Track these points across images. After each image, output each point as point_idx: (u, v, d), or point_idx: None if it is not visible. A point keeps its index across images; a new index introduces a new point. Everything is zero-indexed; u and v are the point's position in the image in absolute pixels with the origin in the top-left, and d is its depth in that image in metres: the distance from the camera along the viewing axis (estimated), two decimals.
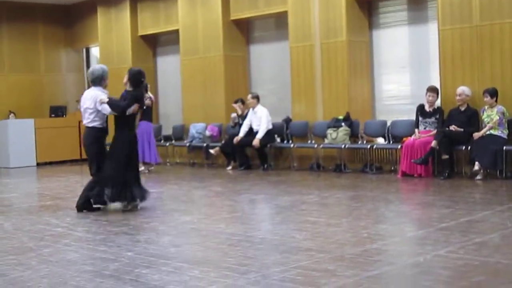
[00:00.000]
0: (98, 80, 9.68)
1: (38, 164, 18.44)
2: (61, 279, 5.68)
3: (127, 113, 9.44)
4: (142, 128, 13.92)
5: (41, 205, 11.06)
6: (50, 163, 18.35)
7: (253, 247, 6.66)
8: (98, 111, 9.50)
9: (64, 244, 7.21)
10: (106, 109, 9.46)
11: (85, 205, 9.55)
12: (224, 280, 5.41)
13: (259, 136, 14.34)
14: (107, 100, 9.44)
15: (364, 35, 14.06)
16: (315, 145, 13.98)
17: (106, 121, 9.70)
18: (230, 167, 14.94)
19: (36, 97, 20.17)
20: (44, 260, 6.45)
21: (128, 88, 9.67)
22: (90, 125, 9.57)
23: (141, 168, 13.33)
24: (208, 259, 6.29)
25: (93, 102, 9.50)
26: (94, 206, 9.56)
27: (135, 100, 9.51)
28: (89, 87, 10.03)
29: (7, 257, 6.66)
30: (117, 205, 9.60)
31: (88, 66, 21.29)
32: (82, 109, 9.73)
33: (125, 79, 9.77)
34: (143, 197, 9.61)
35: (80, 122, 18.44)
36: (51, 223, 8.67)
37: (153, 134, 15.04)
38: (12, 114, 19.42)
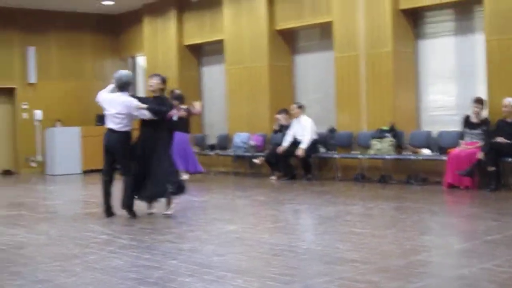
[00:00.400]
0: (127, 86, 9.93)
1: (84, 172, 18.64)
2: (106, 286, 5.73)
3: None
4: (177, 139, 13.93)
5: (86, 212, 11.16)
6: (95, 171, 18.51)
7: (297, 257, 6.64)
8: (129, 116, 9.73)
9: (109, 251, 7.27)
10: (145, 114, 9.68)
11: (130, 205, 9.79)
12: None
13: (303, 146, 14.32)
14: (145, 106, 9.62)
15: (409, 45, 13.96)
16: (360, 156, 13.91)
17: None
18: (274, 177, 14.93)
19: (82, 105, 20.37)
20: (89, 267, 6.51)
21: (156, 94, 9.91)
22: (123, 129, 9.76)
23: (185, 177, 13.46)
24: (252, 268, 6.29)
25: (125, 108, 9.69)
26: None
27: (171, 105, 10.16)
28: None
29: (52, 263, 6.74)
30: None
31: (134, 75, 21.46)
32: (107, 113, 9.87)
33: (155, 85, 9.93)
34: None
35: None
36: (96, 230, 8.75)
37: (190, 144, 15.00)
38: (59, 122, 19.67)
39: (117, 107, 9.73)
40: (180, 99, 14.11)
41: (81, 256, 7.04)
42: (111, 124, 9.80)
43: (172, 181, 9.78)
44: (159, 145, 9.83)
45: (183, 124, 14.22)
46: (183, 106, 14.05)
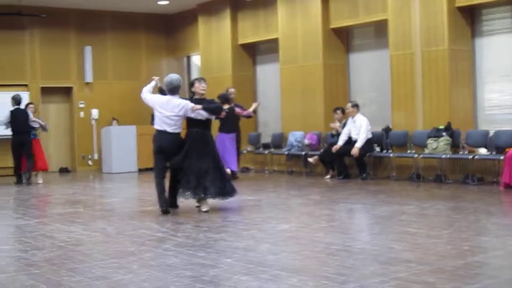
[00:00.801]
0: (177, 90, 10.34)
1: (139, 170, 18.83)
2: (162, 283, 5.77)
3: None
4: (219, 139, 14.12)
5: (141, 210, 11.26)
6: (151, 169, 18.63)
7: (352, 257, 6.62)
8: (182, 118, 10.24)
9: (164, 249, 7.33)
10: (203, 114, 10.21)
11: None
12: None
13: (358, 145, 14.26)
14: (200, 106, 10.12)
15: (466, 43, 13.79)
16: (415, 155, 13.79)
17: None
18: (328, 176, 14.91)
19: (138, 104, 20.37)
20: (145, 264, 6.58)
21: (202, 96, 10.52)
22: (177, 131, 10.25)
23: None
24: (306, 267, 6.28)
25: (182, 110, 10.13)
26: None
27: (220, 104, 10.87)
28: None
29: (109, 260, 6.81)
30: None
31: (189, 74, 21.63)
32: (161, 115, 10.22)
33: (206, 88, 10.63)
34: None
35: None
36: (152, 228, 8.83)
37: (231, 144, 14.68)
38: (115, 121, 19.91)
39: (173, 109, 10.11)
40: (224, 99, 14.18)
41: (137, 254, 7.11)
42: (164, 125, 10.18)
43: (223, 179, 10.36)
44: (209, 145, 10.34)
45: (224, 125, 14.34)
46: (225, 107, 14.07)
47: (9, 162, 16.86)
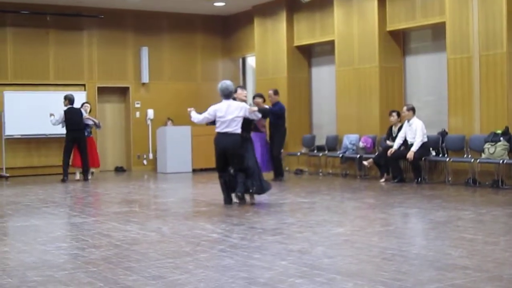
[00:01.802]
0: (232, 94, 11.30)
1: (193, 171, 18.95)
2: (217, 284, 5.81)
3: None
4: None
5: (196, 210, 11.35)
6: (205, 170, 18.79)
7: (407, 262, 6.56)
8: (242, 119, 11.14)
9: (219, 250, 7.37)
10: (258, 115, 11.55)
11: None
12: None
13: (413, 148, 14.14)
14: (256, 108, 11.49)
15: None
16: (472, 160, 13.62)
17: None
18: (383, 179, 14.82)
19: (192, 105, 20.49)
20: (201, 264, 6.62)
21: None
22: (238, 131, 11.12)
23: None
24: (362, 272, 6.25)
25: (242, 111, 11.13)
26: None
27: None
28: None
29: (165, 260, 6.88)
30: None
31: (244, 75, 21.69)
32: (224, 119, 11.08)
33: (246, 95, 12.00)
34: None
35: None
36: (206, 229, 8.88)
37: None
38: (170, 121, 20.06)
39: (234, 112, 11.06)
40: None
41: (193, 254, 7.16)
42: (227, 128, 11.06)
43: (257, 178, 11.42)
44: (251, 145, 11.55)
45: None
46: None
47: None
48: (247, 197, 11.39)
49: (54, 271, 6.44)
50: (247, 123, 11.44)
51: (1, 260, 7.12)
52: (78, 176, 16.93)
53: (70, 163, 16.82)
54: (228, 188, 11.29)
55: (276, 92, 15.66)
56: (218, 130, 11.17)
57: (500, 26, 13.35)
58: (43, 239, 8.35)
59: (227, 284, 5.80)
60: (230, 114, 11.03)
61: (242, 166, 11.11)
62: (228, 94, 11.19)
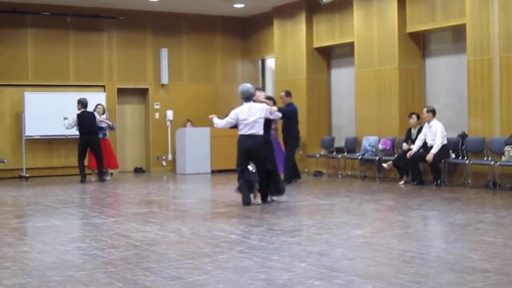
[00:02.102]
0: (252, 97, 11.63)
1: (212, 172, 18.97)
2: (236, 285, 5.81)
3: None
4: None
5: (215, 211, 11.36)
6: (224, 171, 18.81)
7: (427, 265, 6.54)
8: (263, 120, 11.47)
9: (238, 251, 7.38)
10: (278, 115, 12.04)
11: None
12: None
13: (433, 151, 14.08)
14: (276, 108, 11.86)
15: None
16: (492, 162, 13.54)
17: None
18: (402, 182, 14.77)
19: (212, 106, 20.74)
20: (219, 265, 6.63)
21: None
22: (261, 133, 11.43)
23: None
24: (381, 274, 6.23)
25: (263, 112, 11.45)
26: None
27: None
28: None
29: (184, 261, 6.89)
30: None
31: (263, 77, 21.69)
32: (247, 122, 11.37)
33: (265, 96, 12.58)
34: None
35: None
36: (225, 230, 8.89)
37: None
38: (189, 123, 20.10)
39: (256, 113, 11.37)
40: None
41: (212, 255, 7.17)
42: (251, 130, 11.35)
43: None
44: (271, 146, 11.96)
45: None
46: None
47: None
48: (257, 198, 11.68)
49: (73, 271, 6.47)
50: (267, 124, 11.73)
51: (21, 260, 7.16)
52: (94, 178, 17.04)
53: (86, 165, 16.94)
54: (247, 188, 11.44)
55: (288, 94, 15.49)
56: (241, 132, 11.43)
57: None
58: (62, 239, 8.40)
59: (245, 285, 5.81)
60: (252, 116, 11.33)
61: (264, 167, 11.46)
62: (248, 97, 11.51)
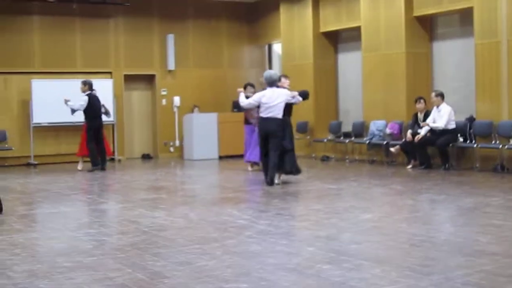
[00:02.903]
0: (275, 83, 12.25)
1: (220, 157, 18.99)
2: (245, 270, 5.83)
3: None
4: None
5: (223, 197, 11.38)
6: (232, 157, 18.82)
7: (436, 248, 6.54)
8: (283, 105, 12.07)
9: (247, 236, 7.39)
10: (299, 99, 12.49)
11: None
12: (406, 280, 5.35)
13: (435, 126, 14.24)
14: (297, 92, 12.45)
15: None
16: (500, 146, 13.51)
17: None
18: (410, 166, 14.75)
19: (219, 92, 20.74)
20: (228, 250, 6.64)
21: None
22: (279, 116, 12.04)
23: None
24: (389, 258, 6.24)
25: (285, 97, 12.11)
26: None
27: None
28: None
29: (192, 246, 6.91)
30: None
31: (270, 62, 21.65)
32: (268, 105, 11.99)
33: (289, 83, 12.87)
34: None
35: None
36: (233, 215, 8.90)
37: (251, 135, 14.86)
38: (196, 108, 20.10)
39: (278, 98, 12.02)
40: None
41: (220, 240, 7.19)
42: (270, 113, 11.99)
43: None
44: (289, 128, 12.55)
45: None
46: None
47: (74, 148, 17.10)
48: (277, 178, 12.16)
49: (83, 257, 6.50)
50: (287, 109, 12.37)
51: (31, 246, 7.20)
52: (80, 166, 16.35)
53: (77, 152, 16.57)
54: (270, 168, 11.98)
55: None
56: (262, 115, 12.12)
57: None
58: (72, 226, 8.43)
59: (254, 270, 5.82)
60: (274, 100, 11.99)
61: (279, 147, 12.01)
62: (271, 82, 12.18)
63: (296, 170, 12.39)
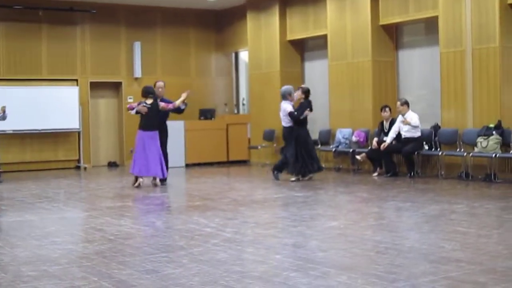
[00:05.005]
0: (285, 97, 14.27)
1: (186, 165, 18.94)
2: (211, 278, 5.82)
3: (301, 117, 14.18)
4: (138, 137, 13.80)
5: (190, 205, 11.36)
6: (198, 164, 18.79)
7: (401, 255, 6.58)
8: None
9: (213, 244, 7.37)
10: (295, 116, 14.14)
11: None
12: (372, 287, 5.38)
13: (389, 140, 14.49)
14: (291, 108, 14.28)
15: None
16: (464, 154, 13.65)
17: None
18: (376, 173, 14.84)
19: (186, 99, 20.68)
20: (195, 258, 6.63)
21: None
22: (286, 125, 14.23)
23: (139, 181, 13.70)
24: (356, 265, 6.27)
25: (284, 111, 14.12)
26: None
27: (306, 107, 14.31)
28: None
29: (159, 254, 6.88)
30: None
31: (237, 70, 21.68)
32: (281, 116, 14.32)
33: (299, 94, 14.47)
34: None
35: (228, 124, 19.16)
36: (200, 223, 8.88)
37: (152, 144, 13.75)
38: None
39: (283, 111, 14.14)
40: (143, 92, 13.90)
41: (187, 248, 7.17)
42: (282, 122, 14.27)
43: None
44: (292, 137, 14.21)
45: (144, 122, 13.73)
46: (147, 101, 13.76)
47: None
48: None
49: (48, 265, 6.44)
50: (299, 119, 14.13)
51: None
52: None
53: None
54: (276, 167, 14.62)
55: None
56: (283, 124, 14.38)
57: (493, 20, 13.39)
58: (37, 234, 8.34)
59: (221, 278, 5.81)
60: (282, 112, 14.22)
61: (286, 151, 14.30)
62: (283, 96, 14.34)
63: (294, 173, 14.18)
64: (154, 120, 13.79)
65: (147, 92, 13.88)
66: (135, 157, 13.71)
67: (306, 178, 14.22)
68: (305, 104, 14.29)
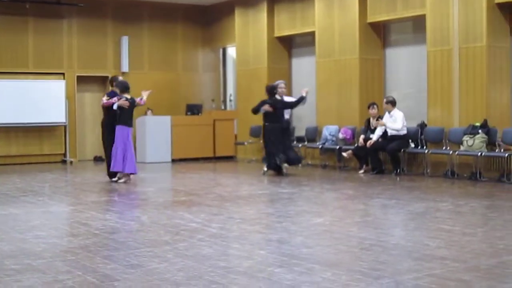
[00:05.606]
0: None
1: (173, 161, 18.91)
2: (196, 273, 5.81)
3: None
4: (118, 134, 13.45)
5: (175, 200, 11.35)
6: (185, 160, 18.77)
7: (386, 252, 6.60)
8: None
9: (198, 239, 7.37)
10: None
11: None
12: (356, 284, 5.39)
13: (393, 127, 14.44)
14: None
15: (504, 40, 13.66)
16: (450, 152, 13.69)
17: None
18: (362, 171, 14.86)
19: (173, 95, 20.68)
20: (180, 253, 6.62)
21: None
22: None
23: (122, 180, 13.55)
24: (340, 261, 6.28)
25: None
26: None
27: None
28: None
29: (144, 249, 6.87)
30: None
31: (224, 66, 21.66)
32: None
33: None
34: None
35: (214, 120, 19.12)
36: (185, 218, 8.87)
37: (130, 140, 13.65)
38: (149, 111, 19.98)
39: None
40: (122, 87, 13.80)
41: (172, 243, 7.17)
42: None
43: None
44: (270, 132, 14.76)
45: (123, 117, 13.55)
46: (127, 95, 13.69)
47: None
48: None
49: (32, 259, 6.42)
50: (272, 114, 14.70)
51: None
52: None
53: None
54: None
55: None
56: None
57: (480, 19, 13.43)
58: (21, 228, 8.31)
59: (206, 273, 5.81)
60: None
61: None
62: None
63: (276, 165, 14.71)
64: (132, 116, 13.87)
65: (127, 87, 13.87)
66: (117, 152, 13.45)
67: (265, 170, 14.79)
68: (267, 101, 14.83)
